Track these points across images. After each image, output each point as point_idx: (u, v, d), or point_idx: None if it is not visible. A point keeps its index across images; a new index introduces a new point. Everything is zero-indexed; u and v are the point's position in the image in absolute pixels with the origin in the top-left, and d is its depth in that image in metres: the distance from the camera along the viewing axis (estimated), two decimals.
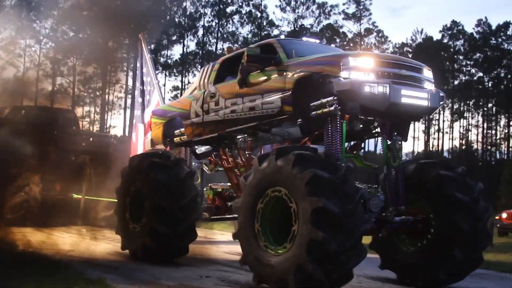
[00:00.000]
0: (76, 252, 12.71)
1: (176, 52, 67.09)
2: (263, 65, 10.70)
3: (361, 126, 10.37)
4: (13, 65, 62.39)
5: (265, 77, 10.66)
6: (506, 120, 76.32)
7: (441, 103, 10.31)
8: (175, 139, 13.00)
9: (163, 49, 65.61)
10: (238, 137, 11.75)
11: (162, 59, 66.59)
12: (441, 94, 10.30)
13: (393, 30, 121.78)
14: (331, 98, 9.36)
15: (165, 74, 68.27)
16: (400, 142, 10.21)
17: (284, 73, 10.28)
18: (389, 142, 10.18)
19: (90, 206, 20.60)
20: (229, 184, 13.02)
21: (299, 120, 10.20)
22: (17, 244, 12.86)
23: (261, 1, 65.29)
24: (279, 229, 8.80)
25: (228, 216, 12.81)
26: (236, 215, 11.70)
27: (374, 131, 10.80)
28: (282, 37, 13.82)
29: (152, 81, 16.99)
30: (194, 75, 69.86)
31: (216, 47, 66.34)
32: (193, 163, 13.41)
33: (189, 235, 11.98)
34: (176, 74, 69.91)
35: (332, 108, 9.34)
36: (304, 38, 12.32)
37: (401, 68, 9.80)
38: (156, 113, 14.29)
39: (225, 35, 65.91)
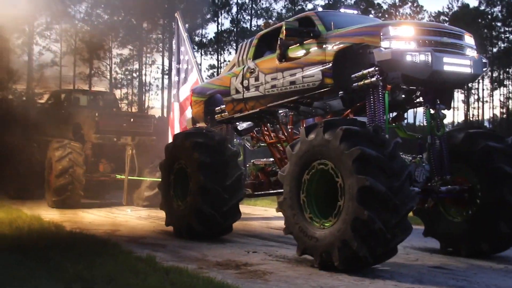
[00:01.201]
0: (122, 232, 12.81)
1: (210, 30, 66.99)
2: (302, 39, 10.67)
3: (403, 96, 10.34)
4: (50, 51, 63.01)
5: (304, 51, 10.64)
6: None
7: (484, 69, 10.21)
8: (216, 116, 13.03)
9: (198, 28, 65.56)
10: (279, 111, 11.74)
11: (197, 38, 66.55)
12: (484, 61, 10.18)
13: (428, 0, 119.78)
14: (372, 68, 9.32)
15: (201, 53, 68.26)
16: (443, 111, 10.13)
17: (324, 46, 10.25)
18: (432, 111, 10.09)
19: (133, 186, 20.75)
20: (271, 159, 13.04)
21: (341, 92, 10.17)
22: (64, 225, 12.98)
23: None
24: (325, 202, 8.79)
25: (272, 191, 12.82)
26: (280, 190, 11.80)
27: (416, 101, 10.71)
28: (320, 9, 13.72)
29: (190, 60, 17.02)
30: (230, 53, 69.83)
31: (250, 24, 66.20)
32: (235, 140, 13.44)
33: (233, 215, 12.02)
34: (212, 52, 69.91)
35: (373, 79, 9.31)
36: (342, 10, 12.23)
37: (442, 36, 9.70)
38: (196, 91, 14.32)
39: (258, 12, 65.71)
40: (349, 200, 8.04)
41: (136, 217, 16.99)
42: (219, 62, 67.60)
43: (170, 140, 18.03)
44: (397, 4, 64.63)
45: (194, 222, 11.70)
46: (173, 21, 19.18)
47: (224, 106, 12.77)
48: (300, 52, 10.71)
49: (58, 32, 65.04)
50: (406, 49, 9.19)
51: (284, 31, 10.47)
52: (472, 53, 9.99)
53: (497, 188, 9.65)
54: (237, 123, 12.91)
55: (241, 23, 66.49)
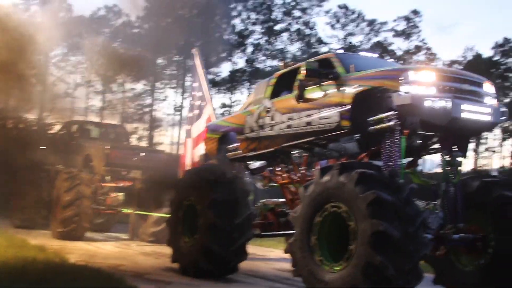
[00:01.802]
0: (127, 266, 12.59)
1: (224, 69, 67.14)
2: (321, 80, 10.58)
3: (419, 141, 10.21)
4: (64, 81, 63.29)
5: (323, 92, 10.55)
6: None
7: (502, 118, 10.07)
8: (228, 154, 12.88)
9: (212, 66, 65.75)
10: (293, 152, 11.61)
11: (210, 76, 66.75)
12: (503, 109, 10.05)
13: (442, 48, 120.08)
14: (390, 112, 9.19)
15: (214, 92, 68.38)
16: (459, 158, 9.98)
17: (342, 88, 10.16)
18: (448, 158, 9.95)
19: (140, 221, 20.62)
20: (281, 200, 12.88)
21: (357, 135, 10.04)
22: (67, 257, 12.79)
23: (311, 18, 65.07)
24: (336, 245, 8.63)
25: (281, 232, 12.66)
26: (289, 232, 11.61)
27: (431, 147, 10.57)
28: (340, 51, 13.65)
29: (204, 96, 16.95)
30: (242, 92, 69.85)
31: (264, 65, 66.25)
32: (246, 178, 13.27)
33: (240, 255, 11.84)
34: (225, 91, 69.96)
35: (391, 123, 9.18)
36: (361, 53, 12.16)
37: (463, 83, 9.61)
38: (210, 128, 14.20)
39: (273, 52, 65.82)
40: (361, 245, 7.90)
41: (141, 252, 16.78)
42: (232, 101, 67.63)
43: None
44: (411, 51, 64.61)
45: (201, 260, 11.53)
46: (188, 58, 19.16)
47: (237, 144, 12.63)
48: (318, 93, 10.62)
49: (73, 63, 65.40)
50: (426, 95, 9.09)
51: (304, 71, 10.37)
52: (491, 101, 9.88)
53: (510, 240, 9.45)
54: (250, 162, 12.74)
55: (255, 63, 66.58)
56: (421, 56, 64.87)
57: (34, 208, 22.30)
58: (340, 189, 8.39)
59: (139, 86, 68.51)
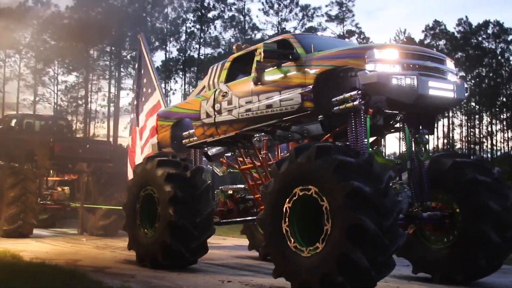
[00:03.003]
0: (85, 262, 12.24)
1: (157, 58, 66.43)
2: (280, 61, 10.35)
3: (382, 120, 10.12)
4: None
5: (282, 74, 10.31)
6: (489, 118, 76.32)
7: (466, 94, 10.03)
8: (183, 141, 12.59)
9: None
10: (254, 136, 11.38)
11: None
12: (466, 86, 10.02)
13: (373, 32, 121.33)
14: (354, 92, 9.03)
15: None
16: (427, 136, 9.93)
17: (304, 68, 9.95)
18: (413, 136, 9.90)
19: (88, 215, 20.25)
20: (240, 186, 12.68)
21: (320, 116, 9.86)
22: (21, 255, 12.37)
23: (244, 5, 64.92)
24: (308, 226, 8.51)
25: (241, 219, 12.47)
26: (248, 218, 11.46)
27: (394, 126, 10.48)
28: (298, 32, 13.24)
29: (151, 83, 16.59)
30: (176, 81, 69.37)
31: (198, 53, 65.95)
32: (204, 166, 13.00)
33: (201, 250, 11.64)
34: (159, 80, 69.40)
35: (356, 102, 9.00)
36: (319, 33, 12.00)
37: (426, 60, 9.52)
38: (162, 115, 13.79)
39: (208, 40, 65.58)
40: (337, 235, 7.74)
41: (93, 246, 16.44)
42: (166, 91, 67.07)
43: (129, 166, 17.56)
44: (345, 35, 65.04)
45: (159, 256, 11.31)
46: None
47: (192, 130, 12.33)
48: (278, 75, 10.38)
49: (1, 57, 64.10)
50: (392, 72, 8.95)
51: (263, 53, 10.14)
52: (453, 78, 9.82)
53: (480, 223, 9.44)
54: (207, 148, 12.45)
55: (189, 51, 66.20)
56: (354, 41, 65.46)
57: None
58: (316, 173, 8.17)
59: (71, 78, 67.55)
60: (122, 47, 62.15)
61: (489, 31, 74.95)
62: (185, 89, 66.37)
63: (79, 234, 20.20)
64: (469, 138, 76.31)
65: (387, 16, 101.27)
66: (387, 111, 9.72)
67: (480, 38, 75.19)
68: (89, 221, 20.33)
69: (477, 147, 76.81)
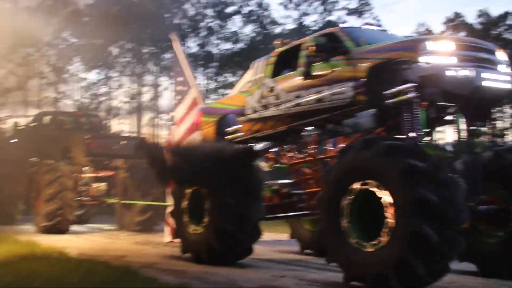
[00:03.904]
0: (131, 258, 12.24)
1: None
2: (329, 55, 10.32)
3: (435, 113, 10.06)
4: (15, 74, 62.15)
5: (332, 67, 10.26)
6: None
7: None
8: (228, 136, 12.57)
9: (165, 51, 65.01)
10: (303, 131, 11.35)
11: (162, 63, 66.03)
12: None
13: (391, 25, 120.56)
14: (409, 84, 8.98)
15: (168, 77, 67.66)
16: (482, 128, 9.87)
17: (354, 62, 9.91)
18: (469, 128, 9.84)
19: (124, 211, 20.34)
20: (286, 181, 12.67)
21: (372, 109, 9.84)
22: (67, 252, 12.41)
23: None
24: (368, 224, 8.42)
25: (287, 214, 12.46)
26: (295, 213, 11.41)
27: (447, 118, 10.42)
28: (344, 25, 13.20)
29: (185, 81, 16.55)
30: (196, 77, 69.14)
31: (218, 48, 65.74)
32: None
33: (254, 233, 11.63)
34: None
35: (410, 95, 8.96)
36: (364, 26, 11.95)
37: (479, 51, 9.46)
38: (205, 111, 13.78)
39: (227, 35, 65.33)
40: (402, 216, 7.72)
41: (135, 242, 16.50)
42: None
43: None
44: None
45: (214, 243, 11.33)
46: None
47: (237, 126, 12.30)
48: (327, 69, 10.33)
49: (23, 55, 64.27)
50: (448, 64, 8.91)
51: (313, 47, 10.12)
52: (506, 69, 9.74)
53: None
54: (253, 144, 12.42)
55: (208, 46, 65.99)
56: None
57: (11, 204, 21.92)
58: (367, 165, 8.23)
59: (92, 76, 67.66)
60: (142, 44, 62.14)
61: (509, 22, 74.39)
62: (205, 84, 66.31)
63: (117, 230, 20.33)
64: None
65: (403, 9, 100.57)
66: (440, 103, 9.65)
67: (500, 30, 74.63)
68: (126, 217, 20.42)
69: None
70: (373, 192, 8.20)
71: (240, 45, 65.11)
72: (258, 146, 12.22)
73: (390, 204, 7.92)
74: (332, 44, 10.28)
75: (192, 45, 65.72)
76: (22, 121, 25.47)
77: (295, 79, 10.99)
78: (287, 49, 11.93)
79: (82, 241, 16.40)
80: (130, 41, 62.61)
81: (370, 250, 8.19)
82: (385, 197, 8.01)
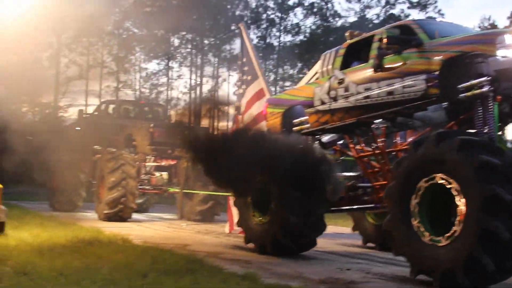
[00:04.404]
0: (194, 247, 12.24)
1: (237, 46, 66.03)
2: (402, 47, 10.18)
3: (509, 108, 9.83)
4: (76, 64, 62.93)
5: (404, 60, 10.15)
6: None
7: None
8: (295, 128, 12.47)
9: (224, 43, 65.15)
10: (373, 123, 11.22)
11: (222, 54, 66.23)
12: None
13: (453, 19, 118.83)
14: (484, 78, 8.79)
15: (227, 69, 67.86)
16: None
17: (428, 54, 9.79)
18: None
19: (185, 200, 20.44)
20: (351, 174, 12.55)
21: (445, 103, 9.68)
22: (130, 239, 12.48)
23: None
24: (437, 219, 8.34)
25: (351, 207, 12.34)
26: (360, 206, 11.25)
27: None
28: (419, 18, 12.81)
29: (253, 71, 16.52)
30: (263, 67, 69.03)
31: (279, 40, 65.65)
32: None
33: (318, 226, 11.55)
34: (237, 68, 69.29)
35: (484, 89, 8.76)
36: (438, 19, 11.76)
37: None
38: (272, 102, 13.73)
39: (288, 27, 65.21)
40: (473, 212, 7.58)
41: (195, 231, 16.57)
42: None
43: None
44: None
45: (279, 235, 11.28)
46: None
47: (305, 117, 12.21)
48: (399, 62, 10.21)
49: (85, 45, 64.99)
50: None
51: (385, 39, 9.99)
52: None
53: None
54: (320, 135, 12.33)
55: (268, 38, 65.95)
56: None
57: (73, 190, 22.18)
58: (440, 160, 8.09)
59: (152, 66, 68.25)
60: (203, 34, 62.35)
61: None
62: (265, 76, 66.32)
63: (177, 219, 20.43)
64: None
65: (463, 3, 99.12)
66: None
67: None
68: (187, 206, 20.51)
69: None
70: (445, 187, 8.06)
71: (300, 38, 64.99)
72: (325, 138, 12.15)
73: (462, 198, 7.77)
74: (406, 36, 10.13)
75: (253, 36, 65.69)
76: (87, 110, 25.76)
77: (366, 71, 10.90)
78: (358, 41, 11.84)
79: (144, 229, 16.49)
80: (191, 32, 62.87)
81: (440, 244, 8.08)
82: (457, 191, 7.87)
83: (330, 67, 11.99)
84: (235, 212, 14.91)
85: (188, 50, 65.14)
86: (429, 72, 9.64)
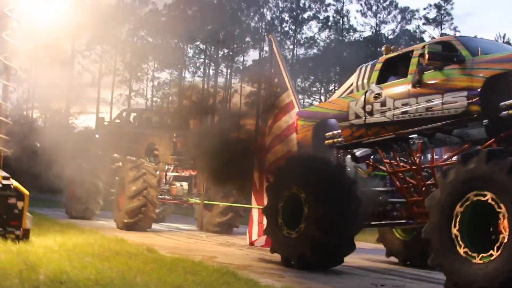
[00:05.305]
0: (221, 259, 12.09)
1: (251, 57, 65.81)
2: (443, 64, 10.11)
3: None
4: (89, 71, 63.00)
5: (445, 76, 10.12)
6: None
7: None
8: (326, 141, 12.38)
9: (238, 54, 65.24)
10: (410, 139, 11.14)
11: (235, 66, 66.33)
12: None
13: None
14: None
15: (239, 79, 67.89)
16: None
17: (470, 71, 9.74)
18: None
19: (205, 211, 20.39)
20: (382, 189, 12.45)
21: (486, 120, 9.60)
22: (156, 249, 12.36)
23: (343, 6, 64.45)
24: (479, 234, 8.25)
25: (382, 222, 12.25)
26: (393, 222, 11.14)
27: None
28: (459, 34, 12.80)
29: (283, 83, 16.43)
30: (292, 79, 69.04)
31: (293, 52, 65.73)
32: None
33: (348, 246, 11.42)
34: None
35: None
36: (478, 36, 11.70)
37: None
38: (303, 115, 13.66)
39: (302, 41, 65.34)
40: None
41: (217, 243, 16.45)
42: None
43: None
44: None
45: (307, 252, 11.13)
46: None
47: (337, 131, 12.13)
48: (440, 78, 10.16)
49: (98, 53, 65.09)
50: None
51: (427, 55, 9.92)
52: None
53: None
54: (354, 150, 12.24)
55: (283, 51, 66.04)
56: None
57: (91, 198, 22.12)
58: (489, 178, 7.96)
59: (164, 75, 68.28)
60: (218, 46, 62.43)
61: None
62: None
63: (196, 230, 20.37)
64: None
65: (478, 21, 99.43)
66: None
67: None
68: (206, 217, 20.43)
69: None
70: (490, 205, 7.96)
71: (314, 51, 65.10)
72: (358, 152, 12.07)
73: (506, 219, 7.66)
74: (447, 52, 10.06)
75: (267, 48, 65.72)
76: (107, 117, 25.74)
77: (404, 86, 10.84)
78: (395, 56, 11.76)
79: (166, 240, 16.37)
80: (205, 42, 62.98)
81: (478, 262, 7.99)
82: (502, 213, 7.78)
83: (365, 81, 11.93)
84: (255, 225, 14.83)
85: (201, 60, 65.27)
86: (470, 89, 9.59)
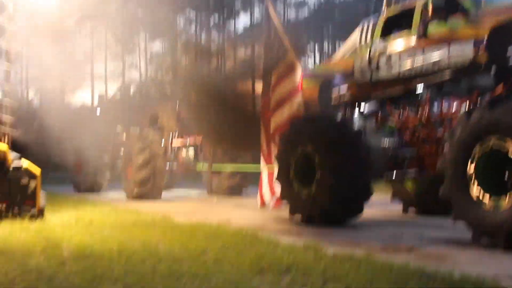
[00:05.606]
0: (239, 222, 11.88)
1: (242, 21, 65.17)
2: (447, 15, 10.19)
3: None
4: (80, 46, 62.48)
5: (450, 28, 10.17)
6: None
7: None
8: (334, 99, 12.49)
9: (229, 19, 64.84)
10: (417, 92, 11.25)
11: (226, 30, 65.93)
12: None
13: None
14: None
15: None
16: None
17: (475, 22, 9.77)
18: None
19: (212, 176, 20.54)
20: (392, 141, 12.58)
21: (493, 69, 9.71)
22: (172, 217, 12.45)
23: None
24: (494, 180, 8.44)
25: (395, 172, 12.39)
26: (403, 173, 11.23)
27: None
28: None
29: (281, 46, 16.42)
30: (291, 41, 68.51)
31: (284, 17, 65.26)
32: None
33: (366, 189, 11.44)
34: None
35: None
36: None
37: None
38: (308, 76, 13.75)
39: (292, 4, 65.00)
40: None
41: (230, 206, 16.59)
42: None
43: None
44: None
45: (327, 203, 11.21)
46: (265, 9, 18.31)
47: (343, 89, 12.23)
48: (445, 30, 10.24)
49: (88, 28, 64.47)
50: None
51: (431, 8, 10.01)
52: None
53: None
54: (361, 105, 12.34)
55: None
56: None
57: (100, 172, 22.27)
58: (495, 124, 8.14)
59: (156, 46, 67.83)
60: (208, 14, 62.05)
61: None
62: None
63: (206, 195, 20.54)
64: None
65: None
66: None
67: None
68: (214, 181, 20.60)
69: None
70: (500, 150, 8.15)
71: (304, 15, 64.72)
72: (367, 107, 12.18)
73: None
74: (451, 3, 10.13)
75: (257, 10, 65.42)
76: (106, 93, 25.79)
77: (409, 40, 10.90)
78: (399, 9, 11.80)
79: (178, 207, 16.48)
80: (195, 9, 62.50)
81: (500, 206, 8.16)
82: None
83: (369, 37, 11.98)
84: (265, 186, 14.93)
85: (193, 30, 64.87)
86: (476, 39, 9.66)
